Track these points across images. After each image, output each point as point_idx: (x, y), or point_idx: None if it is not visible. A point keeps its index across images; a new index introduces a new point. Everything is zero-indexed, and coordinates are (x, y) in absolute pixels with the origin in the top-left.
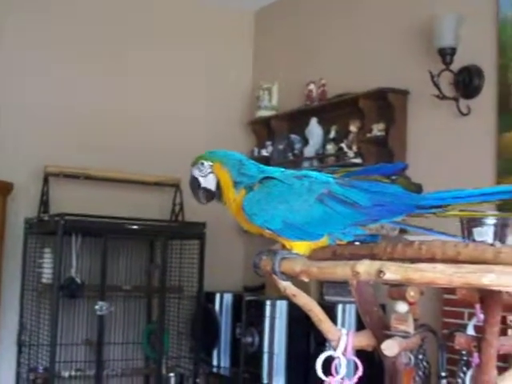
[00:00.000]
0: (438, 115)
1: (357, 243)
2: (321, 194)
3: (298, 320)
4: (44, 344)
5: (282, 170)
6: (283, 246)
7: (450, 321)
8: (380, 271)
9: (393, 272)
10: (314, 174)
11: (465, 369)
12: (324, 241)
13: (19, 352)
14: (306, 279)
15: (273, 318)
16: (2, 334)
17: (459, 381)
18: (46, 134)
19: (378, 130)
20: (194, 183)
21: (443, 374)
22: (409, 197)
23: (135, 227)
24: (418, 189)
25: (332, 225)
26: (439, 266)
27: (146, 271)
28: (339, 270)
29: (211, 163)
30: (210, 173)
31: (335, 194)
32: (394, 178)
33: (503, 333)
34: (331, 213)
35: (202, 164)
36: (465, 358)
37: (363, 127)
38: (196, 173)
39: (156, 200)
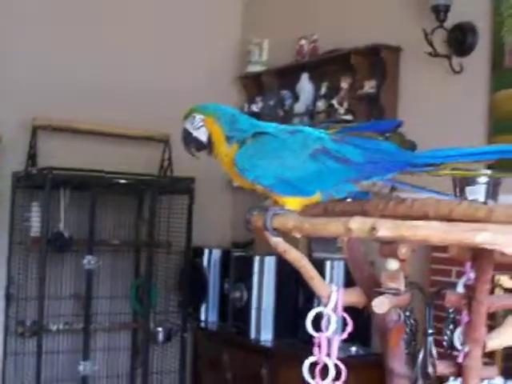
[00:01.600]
0: (431, 73)
1: (348, 200)
2: (314, 150)
3: (287, 276)
4: (32, 298)
5: (276, 125)
6: (275, 202)
7: (437, 279)
8: (373, 228)
9: (386, 229)
10: (307, 129)
11: (452, 326)
12: (317, 197)
13: (7, 305)
14: (298, 235)
15: (261, 273)
16: None
17: (445, 338)
18: (35, 85)
19: (369, 86)
20: (186, 136)
21: (430, 331)
22: (402, 154)
23: (123, 181)
24: (411, 146)
25: (325, 181)
26: (433, 224)
27: (134, 226)
28: (332, 227)
29: (203, 117)
30: (201, 126)
31: (329, 150)
32: (387, 135)
33: (491, 292)
34: (324, 169)
35: (194, 117)
36: (452, 315)
37: (354, 84)
38: (188, 125)
39: (145, 155)
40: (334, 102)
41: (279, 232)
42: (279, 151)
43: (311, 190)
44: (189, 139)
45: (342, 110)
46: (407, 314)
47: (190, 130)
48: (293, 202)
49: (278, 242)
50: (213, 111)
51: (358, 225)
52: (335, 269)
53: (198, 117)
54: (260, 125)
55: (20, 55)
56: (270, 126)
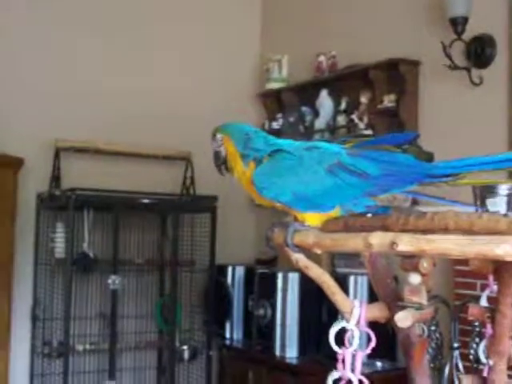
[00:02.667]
0: (450, 86)
1: (369, 215)
2: (331, 165)
3: (310, 292)
4: (58, 318)
5: (292, 142)
6: (295, 219)
7: (461, 292)
8: (393, 243)
9: (406, 243)
10: (323, 144)
11: (477, 340)
12: (336, 212)
13: (33, 326)
14: (318, 251)
15: (285, 290)
16: (17, 308)
17: (472, 351)
18: (57, 108)
19: (388, 101)
20: (213, 155)
21: (456, 344)
22: (420, 166)
23: (146, 201)
24: (429, 157)
25: (342, 195)
26: (452, 237)
27: (158, 245)
28: (352, 242)
29: (222, 135)
30: (221, 145)
31: (345, 165)
32: (405, 147)
33: None
34: (341, 183)
35: (215, 136)
36: (477, 329)
37: (374, 98)
38: (213, 145)
39: (167, 174)
40: (354, 116)
41: (300, 248)
42: (296, 168)
43: (330, 205)
44: (214, 158)
45: (362, 125)
46: (432, 328)
47: (214, 148)
48: (312, 218)
49: (299, 258)
50: (228, 129)
51: (378, 240)
52: (358, 284)
53: (218, 136)
54: (276, 142)
55: (40, 79)
56: (286, 143)
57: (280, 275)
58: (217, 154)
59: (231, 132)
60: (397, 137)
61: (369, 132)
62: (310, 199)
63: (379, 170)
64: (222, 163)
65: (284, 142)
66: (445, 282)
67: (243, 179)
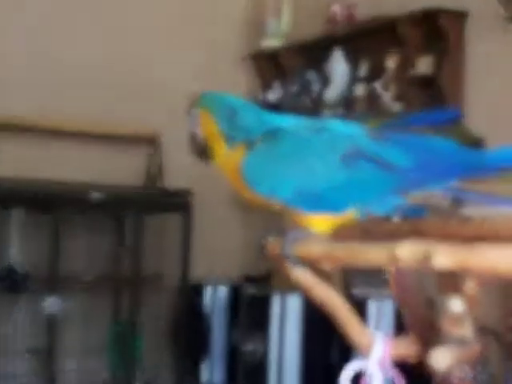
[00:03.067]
0: (507, 45)
1: (395, 219)
2: (346, 152)
3: (316, 321)
4: None
5: (294, 119)
6: (297, 223)
7: None
8: (428, 255)
9: (445, 256)
10: (337, 125)
11: None
12: (351, 214)
13: None
14: (328, 266)
15: (282, 318)
16: None
17: None
18: None
19: (424, 65)
20: (189, 137)
21: None
22: (465, 154)
23: (98, 197)
24: (477, 144)
25: (361, 193)
26: (507, 250)
27: (113, 256)
28: (373, 254)
29: (199, 110)
30: (199, 124)
31: (365, 153)
32: (445, 129)
33: None
34: (360, 177)
35: (190, 112)
36: None
37: (404, 62)
38: (188, 123)
39: (126, 160)
40: (378, 86)
41: (303, 262)
42: (300, 155)
43: (344, 206)
44: (191, 141)
45: (387, 98)
46: (479, 369)
47: (190, 129)
48: (320, 222)
49: (301, 275)
50: (208, 102)
51: (408, 251)
52: (381, 310)
53: (195, 111)
54: (274, 120)
55: None
56: (287, 122)
57: (276, 298)
58: (193, 137)
59: (212, 106)
60: (435, 115)
61: (397, 107)
62: (317, 197)
63: (412, 160)
64: (200, 148)
65: (284, 120)
66: (496, 309)
67: (228, 169)
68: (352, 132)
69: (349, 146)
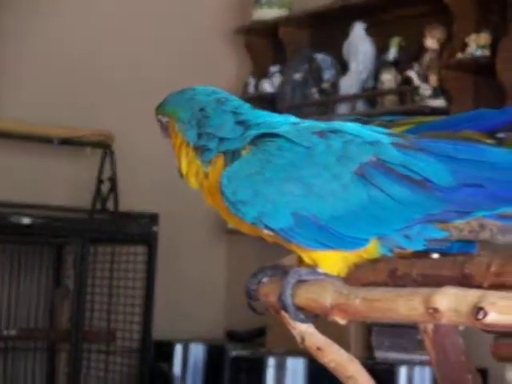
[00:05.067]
0: None
1: (435, 256)
2: (363, 165)
3: None
4: None
5: (293, 119)
6: (300, 259)
7: None
8: (479, 308)
9: (503, 310)
10: (351, 127)
11: None
12: (371, 250)
13: None
14: (341, 321)
15: None
16: None
17: None
18: None
19: (477, 45)
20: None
21: None
22: None
23: (27, 222)
24: None
25: (384, 221)
26: None
27: (48, 303)
28: (403, 305)
29: (165, 117)
30: (168, 134)
31: (390, 164)
32: (501, 135)
33: None
34: (382, 199)
35: (161, 120)
36: None
37: (451, 41)
38: (162, 133)
39: (68, 172)
40: (413, 74)
41: (308, 314)
42: (301, 168)
43: (361, 238)
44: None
45: (427, 89)
46: None
47: (165, 138)
48: (330, 260)
49: (306, 332)
50: (172, 106)
51: (450, 301)
52: (415, 380)
53: (163, 118)
54: (264, 121)
55: None
56: (282, 123)
57: (271, 362)
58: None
59: (176, 109)
60: (487, 116)
61: (440, 103)
62: (324, 226)
63: (454, 177)
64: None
65: (278, 120)
66: None
67: (205, 188)
68: (372, 137)
69: (367, 157)
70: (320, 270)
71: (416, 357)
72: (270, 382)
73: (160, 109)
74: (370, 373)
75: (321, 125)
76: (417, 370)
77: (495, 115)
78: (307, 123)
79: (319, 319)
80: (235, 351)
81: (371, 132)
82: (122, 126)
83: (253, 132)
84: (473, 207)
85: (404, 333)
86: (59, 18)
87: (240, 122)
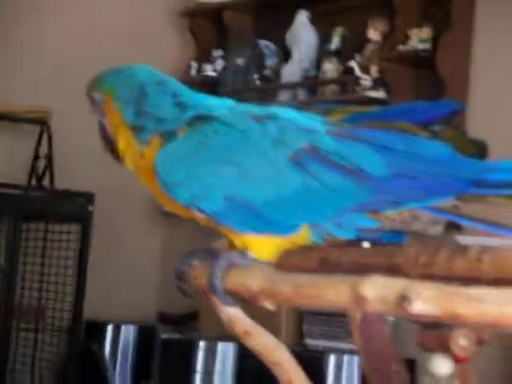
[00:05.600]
0: None
1: (365, 244)
2: (298, 151)
3: (255, 378)
4: None
5: (230, 102)
6: (231, 244)
7: None
8: (404, 297)
9: (428, 300)
10: (288, 114)
11: None
12: (302, 236)
13: None
14: (270, 306)
15: (208, 372)
16: None
17: None
18: None
19: (419, 39)
20: (99, 129)
21: None
22: (462, 164)
23: None
24: (479, 150)
25: (316, 208)
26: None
27: None
28: (330, 292)
29: (101, 94)
30: (104, 112)
31: (324, 152)
32: (436, 128)
33: None
34: (315, 186)
35: (91, 96)
36: None
37: (393, 33)
38: (92, 110)
39: (3, 148)
40: (354, 64)
41: (237, 298)
42: (234, 152)
43: (293, 224)
44: (100, 134)
45: (368, 81)
46: None
47: (98, 118)
48: (261, 245)
49: (235, 316)
50: (109, 83)
51: (377, 290)
52: (344, 368)
53: (98, 96)
54: (201, 103)
55: None
56: (219, 105)
57: (201, 345)
58: (102, 128)
59: (114, 87)
60: (423, 108)
61: (380, 94)
62: (256, 210)
63: (387, 167)
64: (109, 144)
65: (216, 103)
66: (501, 372)
67: (140, 168)
68: (308, 124)
69: (302, 143)
70: (251, 254)
71: (346, 345)
72: (200, 366)
73: (95, 85)
74: (300, 360)
75: (257, 109)
76: (346, 358)
77: (430, 108)
78: (244, 107)
79: (249, 305)
80: (166, 333)
81: (307, 119)
82: (60, 101)
83: (190, 113)
84: (405, 198)
85: (335, 321)
86: None
87: (178, 104)
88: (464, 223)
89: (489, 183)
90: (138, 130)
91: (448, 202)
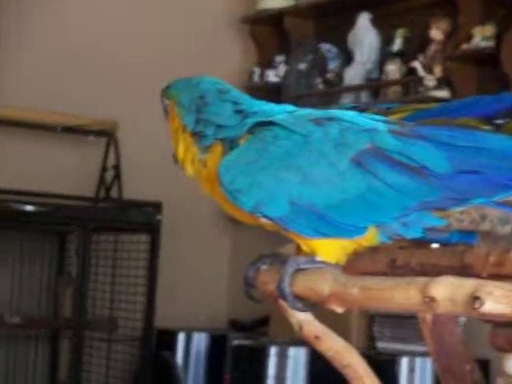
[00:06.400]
0: None
1: (434, 246)
2: (360, 152)
3: (327, 383)
4: None
5: (291, 108)
6: (299, 248)
7: None
8: (475, 297)
9: (499, 299)
10: (348, 115)
11: None
12: (370, 238)
13: None
14: (339, 309)
15: (280, 377)
16: None
17: None
18: None
19: (482, 36)
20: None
21: None
22: None
23: (29, 209)
24: None
25: (382, 208)
26: None
27: (51, 290)
28: (399, 294)
29: (168, 100)
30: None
31: (386, 152)
32: (499, 121)
33: None
34: (379, 186)
35: (163, 101)
36: None
37: (456, 32)
38: (163, 115)
39: (71, 160)
40: (418, 64)
41: (307, 303)
42: (297, 156)
43: (358, 226)
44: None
45: (431, 81)
46: None
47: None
48: (329, 248)
49: (305, 320)
50: (175, 90)
51: (447, 291)
52: (417, 370)
53: (166, 100)
54: (262, 111)
55: None
56: (279, 112)
57: (273, 351)
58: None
59: (178, 93)
60: (484, 102)
61: (444, 94)
62: (321, 214)
63: (451, 164)
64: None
65: (276, 109)
66: None
67: (202, 176)
68: (369, 125)
69: (364, 144)
70: (318, 258)
71: (418, 348)
72: (272, 371)
73: (164, 91)
74: (372, 363)
75: (317, 113)
76: (418, 360)
77: (492, 101)
78: (303, 111)
79: (319, 309)
80: (237, 340)
81: (368, 119)
82: (126, 113)
83: (250, 120)
84: (470, 194)
85: (406, 323)
86: (62, 5)
87: (239, 111)
88: None
89: None
90: (198, 137)
91: None
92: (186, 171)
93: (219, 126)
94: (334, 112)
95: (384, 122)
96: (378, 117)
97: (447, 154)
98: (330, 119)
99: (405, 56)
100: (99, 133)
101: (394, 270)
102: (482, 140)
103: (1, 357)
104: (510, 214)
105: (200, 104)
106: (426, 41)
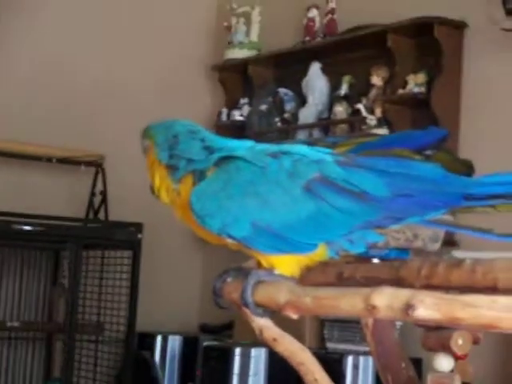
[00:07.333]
0: (511, 60)
1: (375, 261)
2: (310, 181)
3: (284, 379)
4: None
5: (250, 144)
6: (259, 263)
7: None
8: (409, 305)
9: (429, 307)
10: (300, 149)
11: None
12: (320, 253)
13: None
14: (294, 315)
15: (244, 374)
16: None
17: None
18: None
19: (415, 83)
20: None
21: None
22: (453, 181)
23: (28, 229)
24: (467, 169)
25: (330, 228)
26: (501, 300)
27: (46, 299)
28: (346, 303)
29: (147, 141)
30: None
31: (332, 180)
32: (428, 152)
33: None
34: (327, 209)
35: (143, 143)
36: None
37: (393, 79)
38: (142, 152)
39: (64, 187)
40: (361, 106)
41: (266, 310)
42: (255, 185)
43: (310, 243)
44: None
45: (373, 120)
46: None
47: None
48: (284, 263)
49: (264, 325)
50: (152, 131)
51: (385, 299)
52: (360, 368)
53: (145, 142)
54: (226, 146)
55: None
56: (241, 147)
57: (237, 351)
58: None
59: (155, 134)
60: (415, 136)
61: (383, 131)
62: (278, 234)
63: (388, 188)
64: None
65: (237, 145)
66: (495, 370)
67: (176, 204)
68: (317, 157)
69: (313, 173)
70: (276, 271)
71: (361, 348)
72: (237, 369)
73: (144, 133)
74: (322, 361)
75: (273, 147)
76: (361, 359)
77: (422, 135)
78: (261, 146)
79: (277, 315)
80: (207, 342)
81: (316, 152)
82: (112, 147)
83: (216, 155)
84: (405, 214)
85: (351, 327)
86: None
87: (206, 148)
88: (458, 231)
89: (477, 196)
90: (172, 170)
91: (443, 215)
92: (161, 200)
93: (190, 160)
94: (288, 146)
95: (330, 154)
96: (325, 150)
97: (385, 181)
98: (284, 153)
99: (350, 99)
100: (89, 163)
101: (342, 281)
102: (414, 168)
103: (2, 356)
104: (438, 232)
105: (173, 142)
106: (368, 86)
